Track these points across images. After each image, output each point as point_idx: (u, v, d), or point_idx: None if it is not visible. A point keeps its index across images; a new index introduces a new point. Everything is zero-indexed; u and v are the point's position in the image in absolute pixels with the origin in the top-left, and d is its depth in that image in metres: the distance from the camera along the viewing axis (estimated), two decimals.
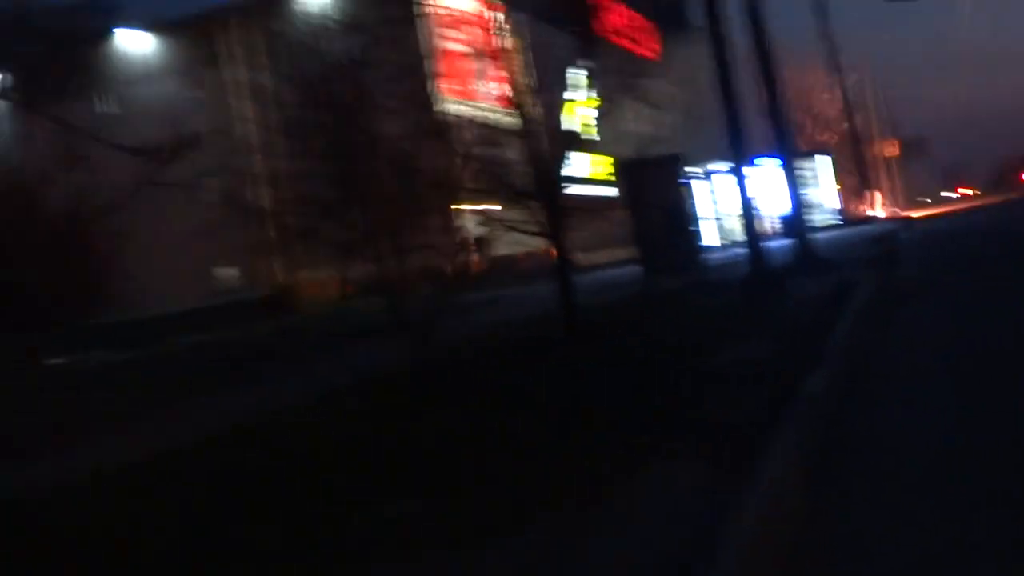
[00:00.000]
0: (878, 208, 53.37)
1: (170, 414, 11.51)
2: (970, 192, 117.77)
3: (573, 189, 38.38)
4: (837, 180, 45.66)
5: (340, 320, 19.88)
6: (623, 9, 43.14)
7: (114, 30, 34.71)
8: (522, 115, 13.51)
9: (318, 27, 22.50)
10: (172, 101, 20.82)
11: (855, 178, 50.38)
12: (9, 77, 49.30)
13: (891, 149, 73.71)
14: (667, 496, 4.79)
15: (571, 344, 11.68)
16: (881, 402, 7.62)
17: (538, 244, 26.54)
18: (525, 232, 14.17)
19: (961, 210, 55.34)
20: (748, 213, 18.55)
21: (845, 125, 51.96)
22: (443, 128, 19.79)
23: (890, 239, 26.58)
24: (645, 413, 6.51)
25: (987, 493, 4.73)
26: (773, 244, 22.65)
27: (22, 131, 47.38)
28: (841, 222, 42.03)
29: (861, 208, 49.32)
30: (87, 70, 40.71)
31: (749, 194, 18.71)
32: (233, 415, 10.18)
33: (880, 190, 58.17)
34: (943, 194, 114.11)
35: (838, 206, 44.83)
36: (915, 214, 54.24)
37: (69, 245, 21.96)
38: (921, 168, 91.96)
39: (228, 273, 27.27)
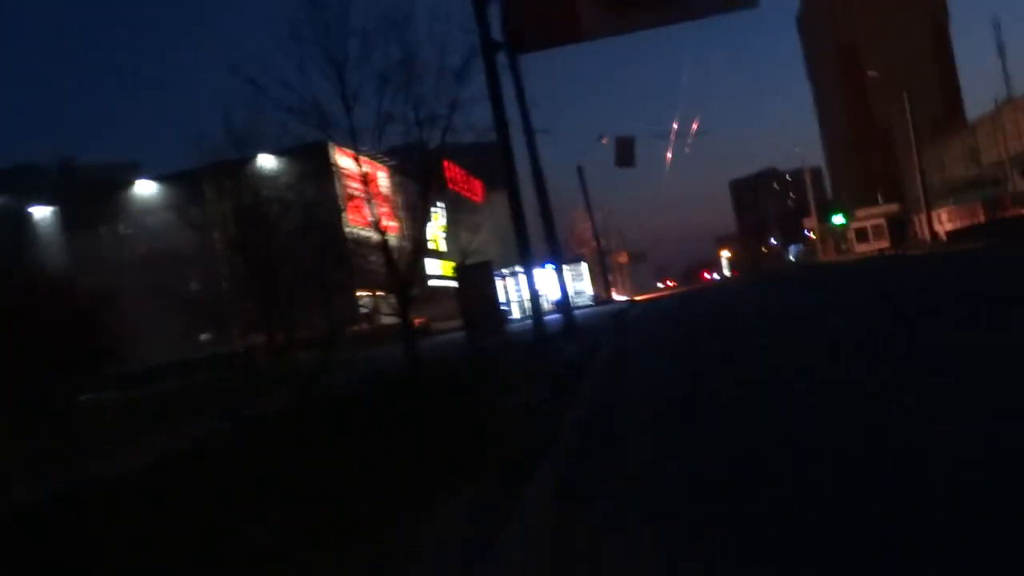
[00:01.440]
0: (615, 294, 58.43)
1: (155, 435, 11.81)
2: (672, 283, 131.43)
3: (431, 281, 39.98)
4: (591, 277, 51.30)
5: (269, 372, 20.41)
6: (457, 169, 48.22)
7: (135, 180, 36.86)
8: (382, 236, 14.69)
9: (265, 179, 24.68)
10: (169, 226, 22.41)
11: (601, 276, 55.55)
12: (59, 210, 51.11)
13: (623, 258, 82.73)
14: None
15: (412, 387, 11.89)
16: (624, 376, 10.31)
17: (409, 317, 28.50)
18: (386, 313, 16.29)
19: (666, 294, 60.80)
20: (535, 299, 19.46)
21: (594, 243, 56.76)
22: (339, 244, 22.04)
23: (622, 314, 28.90)
24: (456, 437, 6.48)
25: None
26: (552, 317, 24.53)
27: (62, 243, 49.23)
28: (593, 303, 46.83)
29: (605, 294, 53.83)
30: (115, 205, 42.88)
31: (536, 286, 19.77)
32: (190, 436, 10.34)
33: (616, 283, 64.69)
34: (657, 284, 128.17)
35: (591, 293, 50.08)
36: (638, 297, 59.07)
37: (87, 316, 22.46)
38: (642, 268, 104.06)
39: (205, 337, 28.26)
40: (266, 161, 25.71)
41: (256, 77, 13.70)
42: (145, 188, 43.43)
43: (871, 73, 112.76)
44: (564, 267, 25.74)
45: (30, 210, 56.36)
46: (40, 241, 52.77)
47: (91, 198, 52.01)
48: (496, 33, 17.19)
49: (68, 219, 52.92)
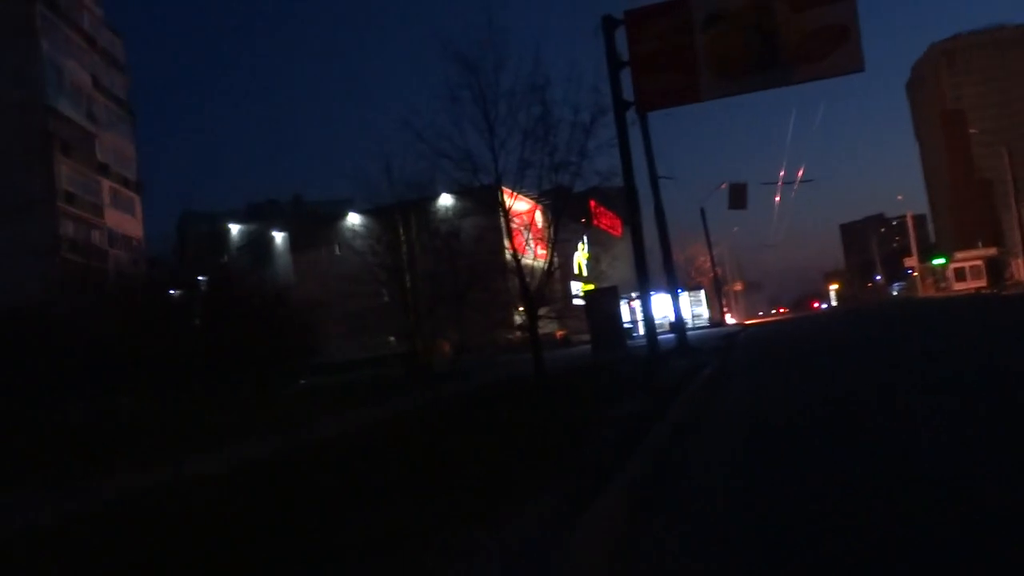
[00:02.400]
0: (729, 318, 56.34)
1: (350, 413, 12.15)
2: (784, 310, 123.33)
3: (576, 300, 39.20)
4: (708, 302, 49.14)
5: (438, 370, 20.52)
6: (604, 210, 47.87)
7: (347, 212, 39.09)
8: (517, 262, 14.52)
9: (442, 213, 25.34)
10: (369, 250, 23.25)
11: (716, 302, 53.22)
12: (289, 235, 55.22)
13: (738, 286, 78.72)
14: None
15: (537, 393, 11.57)
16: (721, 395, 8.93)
17: (553, 328, 28.26)
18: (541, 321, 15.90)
19: (777, 320, 57.66)
20: (649, 320, 18.94)
21: (712, 273, 54.53)
22: (501, 269, 22.18)
23: (732, 336, 27.43)
24: (574, 433, 6.45)
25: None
26: (668, 336, 24.21)
27: (291, 261, 52.99)
28: (708, 325, 44.82)
29: (720, 318, 51.60)
30: (332, 232, 45.57)
31: (651, 309, 19.36)
32: (375, 414, 10.82)
33: (731, 308, 61.49)
34: (771, 310, 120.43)
35: (708, 316, 48.04)
36: (748, 322, 56.50)
37: (302, 318, 23.16)
38: (756, 297, 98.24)
39: (390, 339, 29.08)
40: (446, 200, 26.38)
41: (421, 131, 13.72)
42: (354, 219, 45.43)
43: (972, 131, 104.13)
44: (684, 293, 24.94)
45: (272, 234, 60.15)
46: (276, 259, 56.34)
47: (313, 226, 55.01)
48: (627, 94, 16.74)
49: (296, 242, 56.20)
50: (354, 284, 26.14)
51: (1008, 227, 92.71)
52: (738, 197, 25.19)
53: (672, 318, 30.66)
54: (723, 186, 38.61)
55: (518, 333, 38.83)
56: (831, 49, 16.03)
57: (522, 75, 12.96)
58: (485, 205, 23.92)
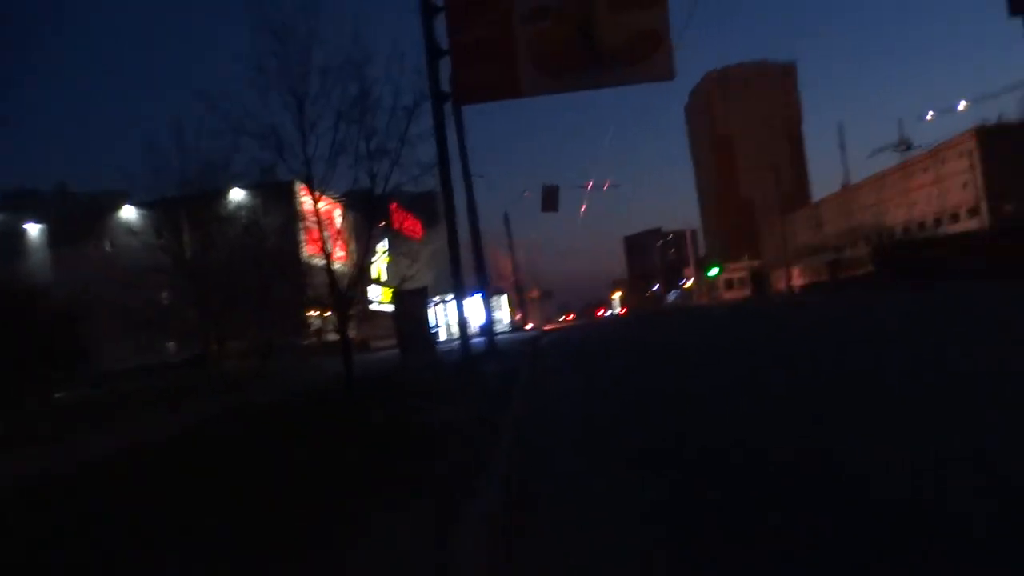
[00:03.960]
0: (528, 324, 57.85)
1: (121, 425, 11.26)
2: (572, 316, 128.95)
3: (373, 305, 37.77)
4: (509, 307, 49.91)
5: (217, 376, 18.77)
6: (404, 212, 46.59)
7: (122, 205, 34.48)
8: (328, 261, 13.01)
9: (233, 210, 23.03)
10: (147, 248, 20.44)
11: (517, 307, 54.39)
12: (49, 228, 48.23)
13: (534, 293, 79.75)
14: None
15: (346, 398, 10.91)
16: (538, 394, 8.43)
17: (354, 334, 26.56)
18: (329, 329, 14.83)
19: (568, 325, 59.89)
20: (463, 323, 18.61)
21: (513, 278, 55.62)
22: (293, 268, 20.32)
23: (535, 340, 27.61)
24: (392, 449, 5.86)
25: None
26: (476, 340, 23.90)
27: (51, 258, 46.30)
28: (510, 330, 45.36)
29: (520, 323, 52.94)
30: (101, 227, 40.15)
31: (465, 312, 18.84)
32: (144, 431, 9.68)
33: (529, 314, 63.09)
34: (559, 317, 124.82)
35: (509, 321, 48.71)
36: (547, 327, 58.30)
37: (61, 322, 20.64)
38: (548, 303, 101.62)
39: (171, 344, 26.17)
40: (237, 195, 24.04)
41: (220, 104, 11.86)
42: (129, 213, 40.70)
43: (743, 155, 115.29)
44: (488, 298, 24.29)
45: (24, 227, 52.66)
46: (30, 255, 49.31)
47: (79, 219, 48.79)
48: (445, 84, 15.83)
49: (57, 237, 49.49)
50: (130, 283, 23.23)
51: (767, 242, 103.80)
52: (550, 200, 25.26)
53: (479, 322, 30.56)
54: (527, 194, 39.06)
55: (314, 338, 36.73)
56: (645, 55, 16.22)
57: (339, 49, 11.54)
58: (282, 201, 22.14)
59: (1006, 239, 43.29)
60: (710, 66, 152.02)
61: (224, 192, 22.77)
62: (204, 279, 17.08)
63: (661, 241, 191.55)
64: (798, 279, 57.52)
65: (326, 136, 12.05)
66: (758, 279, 72.41)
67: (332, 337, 27.64)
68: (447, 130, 15.94)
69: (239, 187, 23.10)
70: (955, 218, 61.09)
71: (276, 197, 22.55)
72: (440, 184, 14.66)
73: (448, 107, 16.53)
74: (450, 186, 14.77)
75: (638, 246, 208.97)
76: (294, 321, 24.19)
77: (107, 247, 43.81)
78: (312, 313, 38.89)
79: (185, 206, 20.76)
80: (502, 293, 48.62)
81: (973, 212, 58.22)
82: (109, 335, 26.98)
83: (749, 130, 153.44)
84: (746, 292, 68.68)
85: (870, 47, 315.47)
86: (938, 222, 63.25)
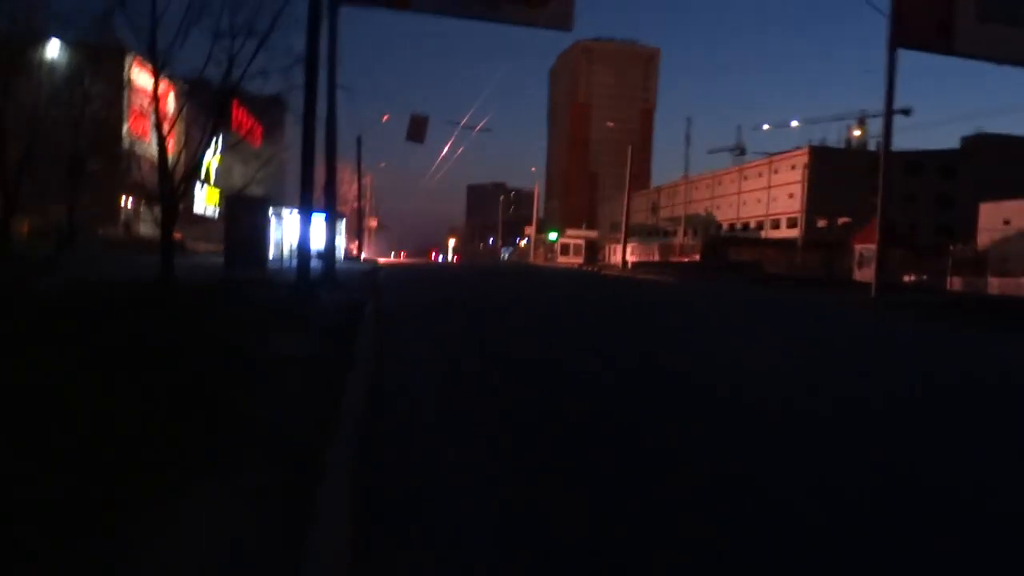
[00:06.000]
0: (363, 255, 55.22)
1: None
2: (404, 255, 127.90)
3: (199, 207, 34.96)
4: (347, 234, 47.67)
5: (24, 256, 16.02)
6: (243, 112, 42.64)
7: None
8: (162, 145, 12.15)
9: (51, 66, 19.62)
10: None
11: (355, 236, 52.02)
12: None
13: (374, 223, 77.04)
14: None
15: (161, 299, 9.84)
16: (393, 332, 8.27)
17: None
18: (145, 221, 13.16)
19: (401, 264, 58.23)
20: (303, 243, 17.15)
21: (354, 206, 53.00)
22: (114, 149, 17.77)
23: (372, 273, 26.93)
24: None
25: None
26: (312, 265, 22.74)
27: None
28: (344, 258, 43.21)
29: (355, 252, 50.71)
30: None
31: (307, 231, 17.88)
32: None
33: (364, 244, 60.63)
34: (391, 253, 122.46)
35: (344, 248, 46.49)
36: (381, 260, 56.33)
37: None
38: (386, 237, 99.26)
39: None
40: (55, 49, 20.60)
41: None
42: None
43: (609, 124, 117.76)
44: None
45: None
46: None
47: None
48: None
49: None
50: None
51: (603, 215, 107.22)
52: (418, 129, 23.88)
53: (318, 246, 28.70)
54: (385, 118, 37.08)
55: (121, 229, 33.07)
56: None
57: None
58: (109, 69, 19.15)
59: (813, 251, 47.29)
60: (582, 34, 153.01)
61: (41, 39, 19.41)
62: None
63: (502, 196, 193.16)
64: (631, 256, 59.73)
65: None
66: (592, 249, 74.62)
67: (146, 232, 24.81)
68: (319, 29, 14.23)
69: (61, 40, 19.80)
70: (776, 225, 65.85)
71: (100, 61, 19.51)
72: (305, 83, 13.03)
73: (324, 5, 14.82)
74: (315, 87, 13.16)
75: (481, 196, 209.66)
76: (105, 208, 21.34)
77: None
78: (125, 201, 34.87)
79: None
80: (342, 218, 46.10)
81: (793, 222, 62.97)
82: None
83: (606, 105, 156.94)
84: (579, 260, 70.52)
85: (727, 48, 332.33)
86: (761, 225, 67.99)
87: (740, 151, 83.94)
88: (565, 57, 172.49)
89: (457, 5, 15.22)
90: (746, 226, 70.72)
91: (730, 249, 48.42)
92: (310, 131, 13.49)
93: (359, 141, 47.83)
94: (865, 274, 31.08)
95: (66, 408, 3.68)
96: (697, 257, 51.25)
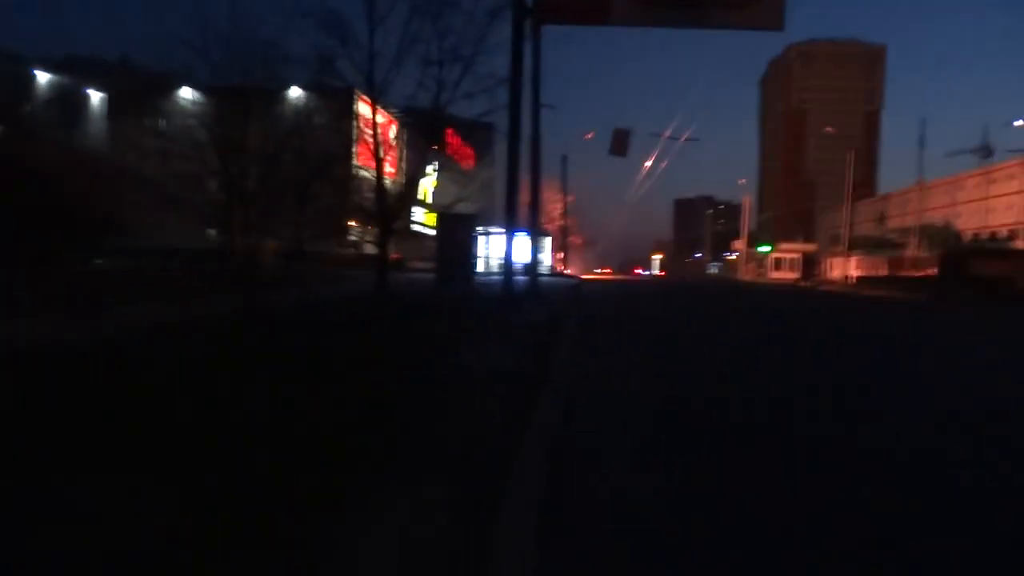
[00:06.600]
0: (568, 271, 55.55)
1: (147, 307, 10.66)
2: (608, 270, 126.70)
3: (415, 226, 37.12)
4: (552, 250, 48.46)
5: (262, 273, 17.92)
6: (458, 139, 45.05)
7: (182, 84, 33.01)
8: (380, 172, 12.88)
9: (291, 108, 22.06)
10: (202, 132, 19.64)
11: (559, 252, 52.57)
12: (110, 97, 48.24)
13: (578, 240, 76.21)
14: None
15: (375, 313, 10.47)
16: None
17: (393, 251, 25.67)
18: (368, 241, 14.23)
19: (604, 279, 57.59)
20: (508, 257, 17.22)
21: (559, 223, 53.61)
22: (347, 176, 19.38)
23: (576, 288, 27.01)
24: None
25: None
26: (518, 279, 23.35)
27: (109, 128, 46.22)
28: (549, 274, 43.94)
29: (560, 267, 51.13)
30: (161, 103, 39.79)
31: (512, 246, 17.38)
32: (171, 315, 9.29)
33: (569, 261, 61.18)
34: (595, 269, 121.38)
35: (549, 264, 47.28)
36: (585, 276, 56.56)
37: (101, 190, 20.11)
38: (591, 253, 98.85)
39: (211, 232, 25.21)
40: (296, 93, 23.08)
41: None
42: (188, 93, 39.94)
43: (828, 129, 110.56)
44: (535, 238, 23.09)
45: (89, 92, 52.55)
46: (91, 122, 49.22)
47: (141, 91, 48.13)
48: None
49: (118, 107, 49.35)
50: (178, 163, 22.57)
51: (823, 227, 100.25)
52: (620, 143, 23.81)
53: (522, 260, 29.50)
54: (589, 135, 37.26)
55: (352, 248, 36.04)
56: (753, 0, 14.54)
57: None
58: (338, 106, 21.05)
59: None
60: (794, 38, 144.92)
61: (283, 86, 21.86)
62: (241, 164, 16.19)
63: (711, 210, 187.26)
64: (855, 270, 55.22)
65: (395, 31, 11.05)
66: (809, 263, 69.91)
67: (371, 251, 26.71)
68: (522, 51, 14.59)
69: (298, 86, 22.14)
70: None
71: (334, 101, 21.56)
72: (509, 104, 13.39)
73: (527, 26, 15.13)
74: (518, 107, 13.48)
75: (688, 211, 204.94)
76: (334, 228, 23.38)
77: (163, 125, 43.38)
78: (353, 224, 38.13)
79: (242, 93, 19.77)
80: (548, 235, 47.08)
81: None
82: (156, 212, 26.47)
83: (824, 109, 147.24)
84: (794, 274, 66.39)
85: (963, 41, 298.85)
86: (1013, 235, 60.09)
87: (986, 152, 74.79)
88: (777, 63, 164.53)
89: (659, 15, 14.90)
90: (994, 236, 62.80)
91: (974, 261, 43.00)
92: (514, 151, 13.82)
93: (564, 159, 48.50)
94: None
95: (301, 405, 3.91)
96: (933, 271, 46.21)
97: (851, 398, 5.75)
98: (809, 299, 27.36)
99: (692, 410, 5.11)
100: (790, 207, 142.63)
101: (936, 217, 69.82)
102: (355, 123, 22.29)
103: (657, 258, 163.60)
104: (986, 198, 64.99)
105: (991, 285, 37.36)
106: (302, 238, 16.75)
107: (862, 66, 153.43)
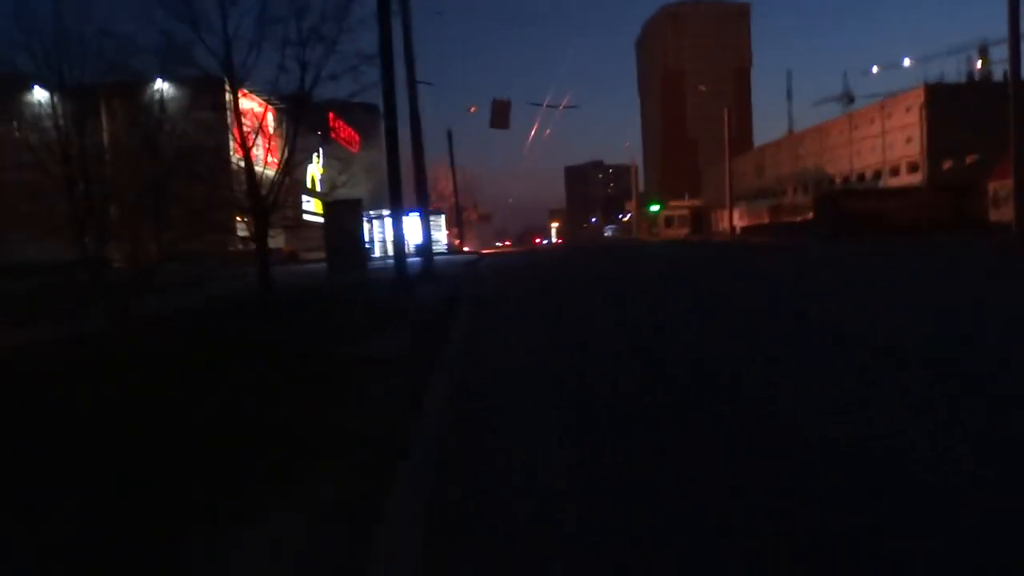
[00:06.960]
0: (465, 247, 55.26)
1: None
2: (508, 243, 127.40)
3: (306, 216, 35.84)
4: (447, 228, 48.08)
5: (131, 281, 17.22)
6: (342, 124, 43.75)
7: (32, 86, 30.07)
8: (248, 162, 12.36)
9: (155, 103, 20.60)
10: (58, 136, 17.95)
11: (455, 228, 52.23)
12: None
13: (473, 216, 75.83)
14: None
15: (260, 310, 10.28)
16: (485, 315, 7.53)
17: (279, 243, 24.57)
18: (248, 236, 13.41)
19: (504, 252, 57.71)
20: (399, 241, 17.08)
21: (453, 200, 53.34)
22: (223, 168, 18.37)
23: (473, 264, 26.76)
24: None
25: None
26: (412, 260, 22.90)
27: None
28: (446, 252, 43.62)
29: (457, 245, 50.90)
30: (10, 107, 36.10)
31: (402, 229, 17.82)
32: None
33: (466, 237, 60.84)
34: (496, 242, 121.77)
35: (446, 242, 46.91)
36: (484, 251, 56.07)
37: None
38: (486, 227, 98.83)
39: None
40: (160, 86, 21.59)
41: None
42: (40, 95, 36.89)
43: (701, 88, 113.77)
44: (427, 218, 22.65)
45: None
46: None
47: None
48: None
49: None
50: (31, 173, 20.73)
51: (707, 182, 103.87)
52: (501, 115, 23.56)
53: (416, 242, 28.98)
54: (472, 109, 37.21)
55: (240, 245, 34.44)
56: None
57: None
58: (212, 98, 19.81)
59: (941, 195, 43.79)
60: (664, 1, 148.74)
61: (142, 80, 20.41)
62: (91, 166, 14.98)
63: (601, 174, 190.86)
64: (739, 221, 57.43)
65: (250, 13, 10.38)
66: (699, 218, 72.26)
67: (272, 245, 25.49)
68: (390, 24, 14.01)
69: (163, 79, 20.72)
70: (895, 172, 61.65)
71: (207, 92, 20.30)
72: (382, 81, 12.85)
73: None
74: (392, 81, 12.95)
75: (579, 177, 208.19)
76: (214, 225, 22.12)
77: (15, 130, 39.96)
78: (238, 219, 36.45)
79: (96, 92, 18.30)
80: (440, 213, 46.54)
81: (914, 167, 58.76)
82: (16, 227, 24.27)
83: (698, 68, 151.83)
84: (685, 231, 68.51)
85: None
86: (878, 175, 63.85)
87: (848, 99, 79.07)
88: (650, 25, 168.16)
89: None
90: (861, 177, 66.58)
91: (845, 202, 45.43)
92: (392, 129, 13.35)
93: (449, 135, 47.87)
94: (1003, 214, 28.43)
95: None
96: (810, 215, 48.60)
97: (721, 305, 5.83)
98: (698, 250, 28.26)
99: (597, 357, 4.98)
100: (676, 165, 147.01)
101: (808, 165, 73.36)
102: (228, 112, 21.22)
103: (554, 226, 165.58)
104: (851, 143, 68.64)
105: (862, 222, 39.62)
106: (167, 240, 15.67)
107: (729, 25, 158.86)
